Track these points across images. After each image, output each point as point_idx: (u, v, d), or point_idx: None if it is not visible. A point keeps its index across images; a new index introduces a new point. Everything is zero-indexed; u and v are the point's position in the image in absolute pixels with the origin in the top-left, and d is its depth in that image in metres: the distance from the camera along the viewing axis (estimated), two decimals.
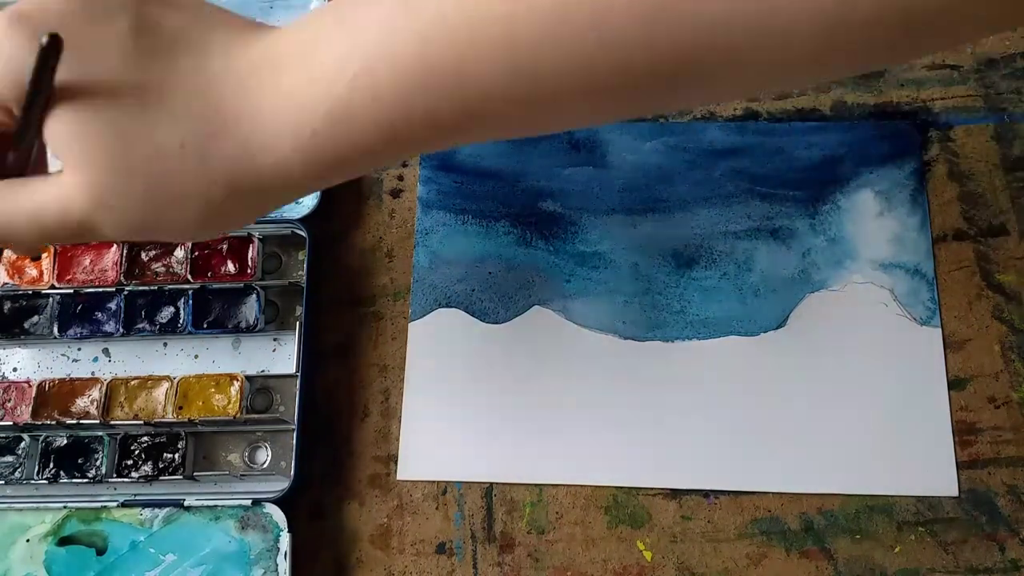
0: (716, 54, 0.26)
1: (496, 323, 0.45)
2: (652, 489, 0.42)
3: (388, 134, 0.28)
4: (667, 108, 0.43)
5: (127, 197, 0.29)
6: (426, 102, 0.27)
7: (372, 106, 0.27)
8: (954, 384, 0.43)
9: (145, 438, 0.44)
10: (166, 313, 0.46)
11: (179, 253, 0.46)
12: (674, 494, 0.42)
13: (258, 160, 0.29)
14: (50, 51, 0.27)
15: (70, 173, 0.29)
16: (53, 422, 0.44)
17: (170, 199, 0.29)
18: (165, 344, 0.46)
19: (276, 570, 0.41)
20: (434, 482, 0.43)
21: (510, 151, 0.47)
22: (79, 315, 0.46)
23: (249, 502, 0.42)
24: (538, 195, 0.47)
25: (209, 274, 0.46)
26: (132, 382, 0.45)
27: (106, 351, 0.47)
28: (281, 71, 0.28)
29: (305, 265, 0.45)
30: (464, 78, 0.27)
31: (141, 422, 0.44)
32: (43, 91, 0.28)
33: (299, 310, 0.45)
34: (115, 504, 0.43)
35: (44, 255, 0.47)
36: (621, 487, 0.43)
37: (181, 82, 0.29)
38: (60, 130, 0.28)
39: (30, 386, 0.45)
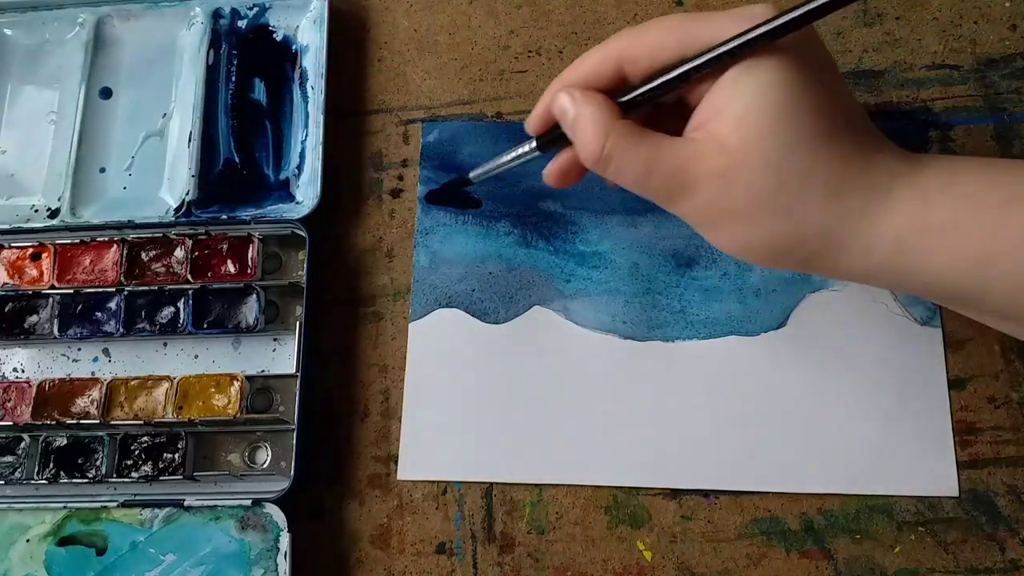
0: None
1: (496, 323, 0.45)
2: (652, 489, 0.42)
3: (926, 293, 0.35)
4: None
5: (751, 185, 0.32)
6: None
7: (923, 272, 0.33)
8: (954, 384, 0.43)
9: (145, 438, 0.44)
10: (166, 313, 0.46)
11: (179, 253, 0.46)
12: (674, 494, 0.42)
13: (861, 232, 0.32)
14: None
15: (712, 139, 0.33)
16: (53, 422, 0.44)
17: (779, 209, 0.32)
18: (165, 344, 0.46)
19: (276, 570, 0.41)
20: (434, 482, 0.43)
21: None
22: (79, 315, 0.46)
23: (249, 502, 0.42)
24: (538, 195, 0.47)
25: (209, 274, 0.46)
26: (132, 382, 0.45)
27: (106, 351, 0.47)
28: (902, 197, 0.33)
29: (305, 265, 0.45)
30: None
31: (141, 422, 0.44)
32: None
33: (299, 310, 0.45)
34: (115, 504, 0.43)
35: (44, 255, 0.47)
36: (621, 487, 0.43)
37: (857, 141, 0.33)
38: (743, 105, 0.32)
39: (30, 386, 0.45)
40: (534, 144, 0.38)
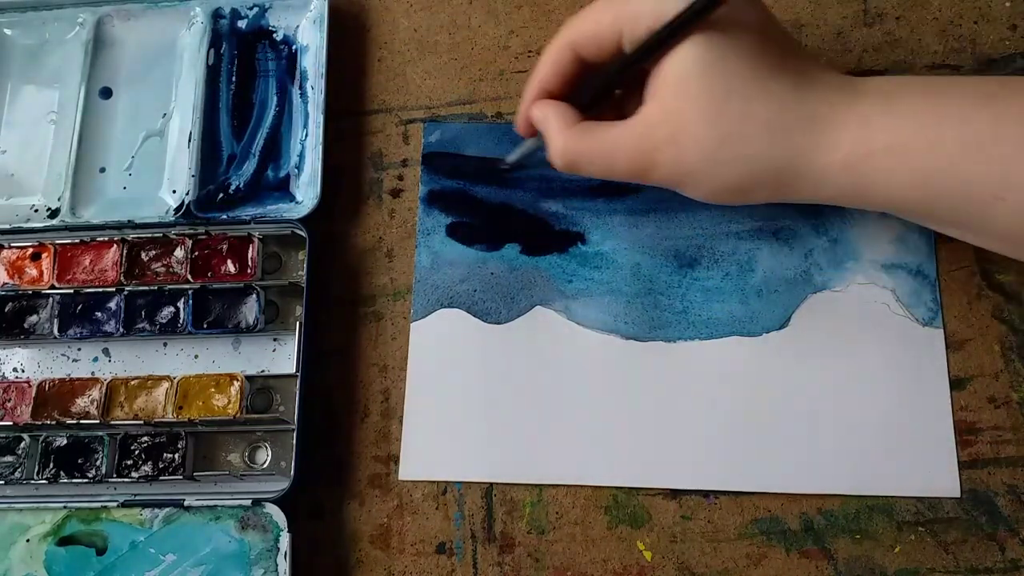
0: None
1: (498, 323, 0.45)
2: (652, 489, 0.42)
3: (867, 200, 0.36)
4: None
5: (698, 141, 0.34)
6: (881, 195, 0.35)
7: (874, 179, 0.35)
8: (954, 384, 0.43)
9: (145, 438, 0.44)
10: (166, 313, 0.46)
11: (179, 253, 0.46)
12: (674, 494, 0.42)
13: (811, 162, 0.34)
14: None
15: (657, 110, 0.35)
16: (53, 422, 0.44)
17: (730, 156, 0.35)
18: (165, 344, 0.46)
19: (276, 570, 0.41)
20: (434, 482, 0.43)
21: (511, 152, 0.47)
22: (79, 315, 0.46)
23: (249, 502, 0.42)
24: (540, 196, 0.47)
25: (209, 274, 0.46)
26: (132, 382, 0.45)
27: (106, 351, 0.47)
28: (842, 126, 0.34)
29: (305, 265, 0.45)
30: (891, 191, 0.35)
31: (141, 422, 0.44)
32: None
33: (299, 310, 0.45)
34: (115, 504, 0.43)
35: (44, 255, 0.46)
36: (621, 487, 0.43)
37: (791, 79, 0.34)
38: (677, 71, 0.34)
39: (30, 386, 0.45)
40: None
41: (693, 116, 0.34)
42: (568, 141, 0.37)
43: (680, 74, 0.34)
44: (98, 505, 0.43)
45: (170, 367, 0.46)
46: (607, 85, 0.38)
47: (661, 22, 0.34)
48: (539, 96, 0.39)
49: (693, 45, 0.34)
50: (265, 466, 0.44)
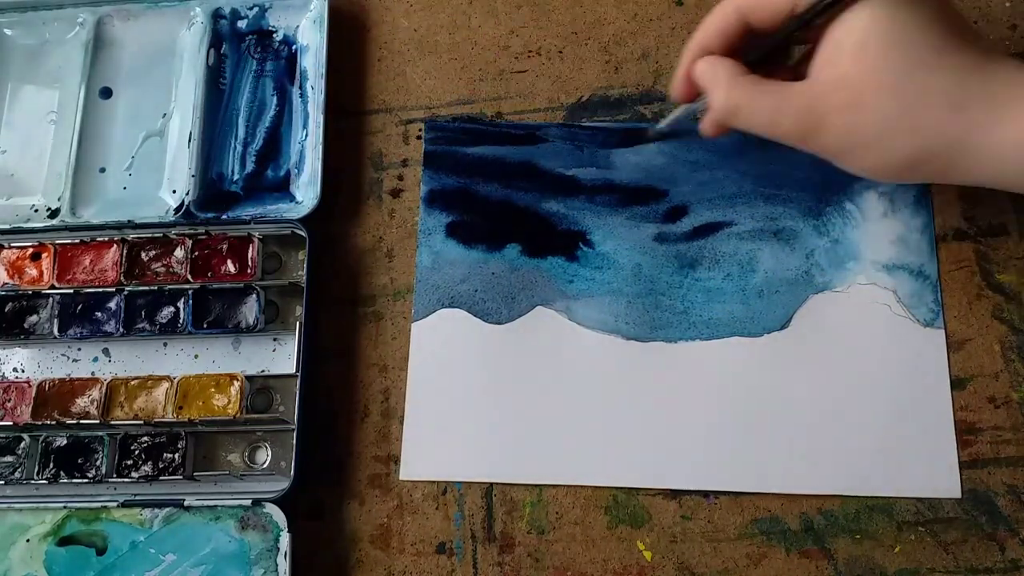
0: None
1: (499, 323, 0.45)
2: (652, 489, 0.42)
3: None
4: None
5: (877, 111, 0.35)
6: None
7: None
8: (954, 384, 0.43)
9: (145, 438, 0.44)
10: (166, 313, 0.46)
11: (179, 253, 0.46)
12: (674, 494, 0.42)
13: (984, 139, 0.34)
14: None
15: (834, 75, 0.35)
16: (53, 422, 0.44)
17: (908, 128, 0.35)
18: (165, 344, 0.46)
19: (276, 570, 0.41)
20: (434, 482, 0.43)
21: (513, 152, 0.47)
22: (79, 315, 0.46)
23: (249, 502, 0.42)
24: (542, 196, 0.47)
25: (209, 274, 0.46)
26: (132, 382, 0.45)
27: (106, 351, 0.47)
28: (1020, 104, 0.34)
29: (305, 265, 0.45)
30: None
31: (141, 422, 0.44)
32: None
33: (299, 310, 0.45)
34: (115, 504, 0.43)
35: (44, 255, 0.46)
36: (621, 487, 0.43)
37: (970, 54, 0.34)
38: (856, 37, 0.34)
39: (30, 386, 0.45)
40: (701, 103, 0.40)
41: (874, 85, 0.34)
42: (735, 89, 0.37)
43: (860, 40, 0.34)
44: (98, 505, 0.43)
45: (170, 367, 0.46)
46: (778, 44, 0.37)
47: None
48: (700, 56, 0.39)
49: (873, 10, 0.34)
50: (265, 466, 0.44)
